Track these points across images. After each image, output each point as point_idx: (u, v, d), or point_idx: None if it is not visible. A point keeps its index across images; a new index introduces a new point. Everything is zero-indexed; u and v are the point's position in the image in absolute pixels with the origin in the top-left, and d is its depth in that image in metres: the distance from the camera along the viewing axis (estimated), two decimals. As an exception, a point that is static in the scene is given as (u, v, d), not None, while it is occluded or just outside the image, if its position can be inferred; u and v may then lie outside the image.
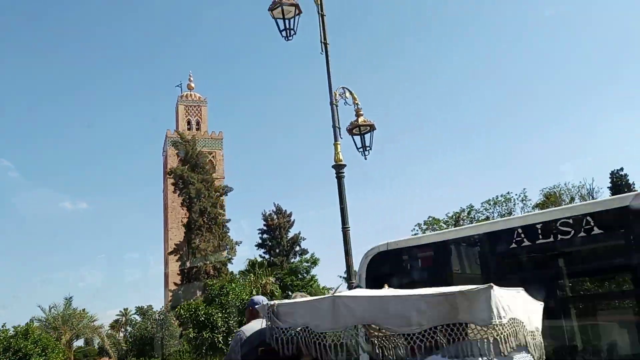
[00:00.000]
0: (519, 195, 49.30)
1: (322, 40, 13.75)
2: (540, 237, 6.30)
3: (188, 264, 40.38)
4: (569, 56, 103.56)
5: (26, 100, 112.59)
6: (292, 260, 54.14)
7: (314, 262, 51.35)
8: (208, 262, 39.76)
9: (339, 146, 12.64)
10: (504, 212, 48.40)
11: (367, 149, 12.18)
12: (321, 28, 13.78)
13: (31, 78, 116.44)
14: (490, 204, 49.71)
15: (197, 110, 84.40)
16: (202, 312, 31.05)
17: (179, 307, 34.99)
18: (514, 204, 49.30)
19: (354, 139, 12.81)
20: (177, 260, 40.84)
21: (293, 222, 57.45)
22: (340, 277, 44.70)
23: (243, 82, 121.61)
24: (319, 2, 13.99)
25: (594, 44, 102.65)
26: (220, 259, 41.03)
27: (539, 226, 6.58)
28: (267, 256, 54.53)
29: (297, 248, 55.53)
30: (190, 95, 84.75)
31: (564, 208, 8.12)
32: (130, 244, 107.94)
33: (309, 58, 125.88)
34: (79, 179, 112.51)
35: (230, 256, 43.28)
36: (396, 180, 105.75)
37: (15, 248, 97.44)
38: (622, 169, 41.01)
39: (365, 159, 13.14)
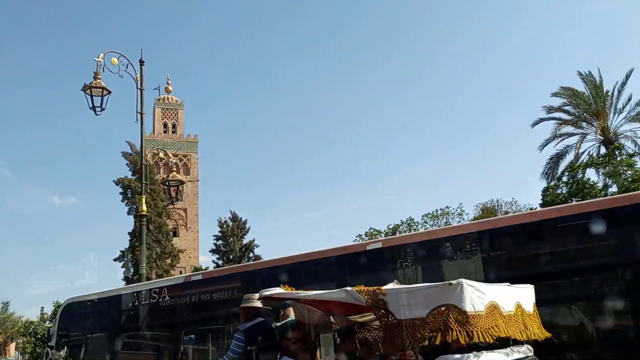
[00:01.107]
0: (456, 210, 52.26)
1: (138, 111, 17.11)
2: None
3: (132, 270, 43.51)
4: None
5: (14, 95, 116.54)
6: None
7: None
8: (151, 269, 42.88)
9: (143, 199, 16.17)
10: (442, 225, 51.34)
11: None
12: (138, 101, 17.11)
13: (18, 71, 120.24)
14: (429, 217, 52.63)
15: (173, 113, 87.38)
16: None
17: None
18: (452, 218, 52.32)
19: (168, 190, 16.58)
20: (122, 267, 44.15)
21: (248, 229, 60.90)
22: None
23: (220, 86, 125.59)
24: (138, 79, 17.34)
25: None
26: (162, 266, 44.24)
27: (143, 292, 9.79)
28: (220, 262, 58.01)
29: (251, 254, 59.06)
30: (168, 98, 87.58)
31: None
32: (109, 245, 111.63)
33: (286, 64, 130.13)
34: (66, 175, 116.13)
35: (173, 263, 46.50)
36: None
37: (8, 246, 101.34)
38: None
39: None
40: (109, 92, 15.59)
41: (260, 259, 58.20)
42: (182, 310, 9.06)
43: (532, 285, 5.22)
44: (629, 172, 28.72)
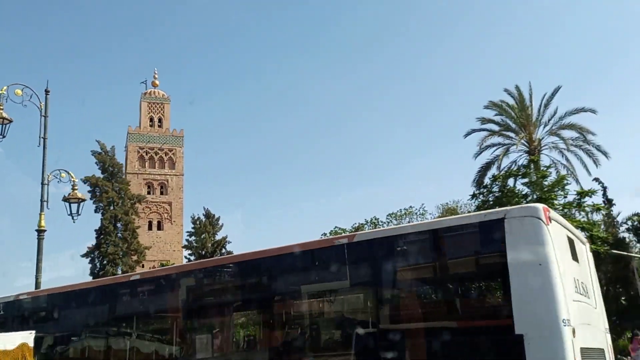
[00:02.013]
0: (419, 210, 54.33)
1: (42, 136, 19.73)
2: None
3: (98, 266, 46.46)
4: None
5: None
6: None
7: (233, 264, 57.31)
8: (116, 266, 45.84)
9: (42, 215, 18.88)
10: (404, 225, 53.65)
11: (76, 215, 18.49)
12: (42, 126, 19.72)
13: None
14: (392, 217, 54.79)
15: (160, 107, 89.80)
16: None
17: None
18: (414, 218, 54.48)
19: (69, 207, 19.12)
20: (88, 263, 46.99)
21: (221, 226, 63.50)
22: None
23: (207, 81, 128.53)
24: (43, 107, 19.95)
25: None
26: (128, 262, 47.13)
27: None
28: (192, 258, 60.73)
29: (223, 251, 61.69)
30: (154, 92, 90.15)
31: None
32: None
33: (273, 60, 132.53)
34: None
35: (140, 260, 49.38)
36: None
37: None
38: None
39: (74, 222, 19.18)
40: (10, 121, 18.32)
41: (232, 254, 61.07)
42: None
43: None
44: (545, 182, 30.92)
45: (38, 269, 19.16)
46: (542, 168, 31.89)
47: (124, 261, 46.96)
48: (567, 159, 34.20)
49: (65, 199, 18.82)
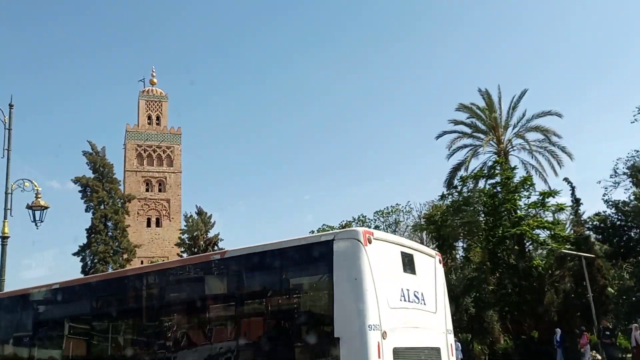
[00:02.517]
0: (405, 207, 55.50)
1: (6, 148, 21.34)
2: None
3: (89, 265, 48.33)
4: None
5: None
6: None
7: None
8: (107, 264, 47.67)
9: (6, 223, 20.47)
10: (391, 223, 54.90)
11: (39, 222, 20.07)
12: (6, 139, 21.32)
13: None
14: (379, 214, 56.00)
15: (157, 105, 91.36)
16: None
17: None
18: (399, 216, 55.66)
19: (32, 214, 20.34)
20: (80, 261, 48.85)
21: (213, 223, 65.18)
22: None
23: (204, 79, 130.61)
24: (6, 120, 21.52)
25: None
26: (118, 261, 48.96)
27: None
28: (185, 255, 62.46)
29: (216, 248, 63.34)
30: (152, 90, 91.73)
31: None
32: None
33: (272, 60, 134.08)
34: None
35: (130, 258, 51.19)
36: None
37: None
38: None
39: (37, 228, 20.64)
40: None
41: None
42: None
43: None
44: (512, 184, 32.18)
45: (1, 273, 20.80)
46: (510, 169, 33.22)
47: (115, 259, 48.73)
48: (537, 160, 35.39)
49: (28, 207, 20.29)
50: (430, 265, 10.32)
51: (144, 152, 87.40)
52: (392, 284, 8.83)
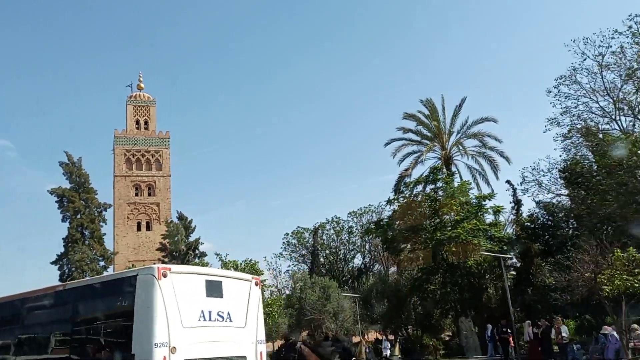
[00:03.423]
0: (377, 208, 57.27)
1: None
2: None
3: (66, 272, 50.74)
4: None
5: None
6: (193, 262, 64.25)
7: (203, 264, 61.39)
8: (84, 273, 50.03)
9: None
10: (364, 223, 56.77)
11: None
12: None
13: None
14: (352, 215, 57.90)
15: (145, 110, 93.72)
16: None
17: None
18: (372, 216, 57.50)
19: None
20: (57, 270, 51.28)
21: (194, 228, 67.55)
22: None
23: (192, 83, 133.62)
24: None
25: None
26: (95, 268, 51.32)
27: None
28: (166, 259, 64.86)
29: (197, 252, 65.70)
30: (140, 95, 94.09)
31: None
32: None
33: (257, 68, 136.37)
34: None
35: (106, 265, 53.64)
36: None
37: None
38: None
39: None
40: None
41: (206, 255, 65.15)
42: None
43: None
44: (450, 188, 33.98)
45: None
46: (449, 174, 35.08)
47: (92, 267, 51.07)
48: (480, 165, 37.18)
49: None
50: (243, 288, 12.37)
51: (133, 157, 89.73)
52: (190, 308, 10.92)
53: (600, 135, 25.75)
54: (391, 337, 38.28)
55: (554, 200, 31.80)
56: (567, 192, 29.93)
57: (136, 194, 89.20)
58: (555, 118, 26.19)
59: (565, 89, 25.58)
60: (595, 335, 22.91)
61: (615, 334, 21.89)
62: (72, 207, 52.13)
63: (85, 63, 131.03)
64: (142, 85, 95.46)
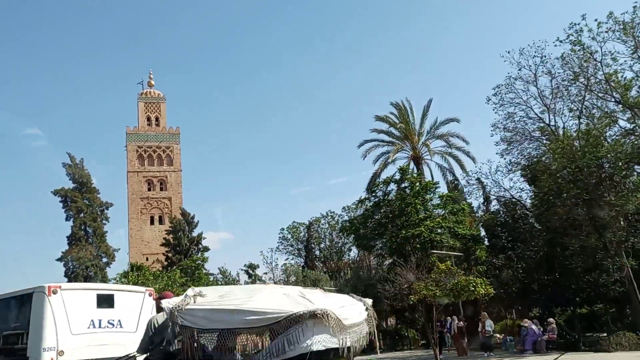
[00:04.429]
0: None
1: None
2: None
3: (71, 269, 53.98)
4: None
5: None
6: (197, 256, 67.02)
7: (204, 259, 64.08)
8: (87, 269, 53.19)
9: None
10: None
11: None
12: None
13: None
14: (346, 210, 59.71)
15: (156, 106, 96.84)
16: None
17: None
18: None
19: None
20: (63, 266, 54.52)
21: (197, 223, 70.38)
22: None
23: (202, 79, 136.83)
24: None
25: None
26: (99, 265, 54.47)
27: None
28: (170, 254, 67.81)
29: (200, 246, 68.47)
30: (150, 92, 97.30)
31: None
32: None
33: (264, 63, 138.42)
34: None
35: (109, 262, 56.69)
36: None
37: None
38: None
39: None
40: None
41: (208, 249, 67.92)
42: None
43: None
44: (416, 188, 35.58)
45: None
46: (416, 174, 36.72)
47: (94, 264, 54.18)
48: (449, 164, 38.71)
49: None
50: (136, 299, 14.62)
51: (145, 153, 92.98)
52: (79, 317, 13.19)
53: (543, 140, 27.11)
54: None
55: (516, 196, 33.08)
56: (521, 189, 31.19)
57: (149, 189, 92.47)
58: (496, 124, 27.59)
59: (506, 96, 26.93)
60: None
61: (534, 326, 23.67)
62: (74, 206, 55.21)
63: (100, 60, 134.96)
64: (153, 82, 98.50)
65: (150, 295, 14.96)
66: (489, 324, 25.00)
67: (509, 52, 26.27)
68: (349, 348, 6.20)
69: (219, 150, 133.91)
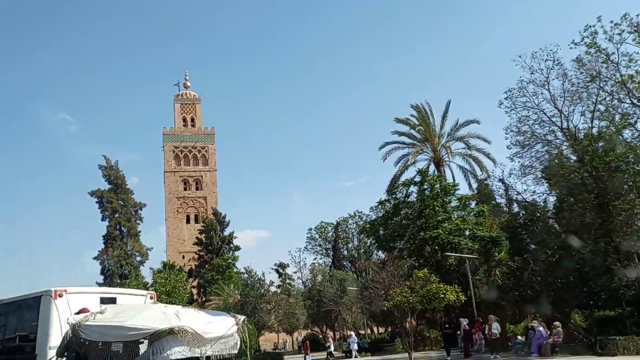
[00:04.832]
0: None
1: None
2: None
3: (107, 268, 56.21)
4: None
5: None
6: (228, 255, 68.54)
7: (234, 258, 65.56)
8: (121, 267, 55.33)
9: None
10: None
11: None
12: None
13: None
14: (374, 210, 60.15)
15: (191, 107, 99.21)
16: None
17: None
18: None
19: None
20: (99, 265, 56.83)
21: (228, 222, 72.06)
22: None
23: (237, 80, 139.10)
24: None
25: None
26: (132, 263, 56.53)
27: None
28: (202, 252, 69.61)
29: (231, 245, 70.01)
30: (186, 93, 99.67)
31: None
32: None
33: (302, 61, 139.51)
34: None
35: (142, 260, 58.68)
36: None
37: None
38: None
39: None
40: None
41: (239, 249, 69.47)
42: None
43: None
44: (435, 190, 35.84)
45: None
46: (435, 177, 36.95)
47: (129, 262, 56.27)
48: (471, 165, 38.79)
49: None
50: (137, 301, 15.64)
51: (181, 153, 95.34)
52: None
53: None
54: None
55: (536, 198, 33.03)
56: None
57: (184, 189, 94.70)
58: (509, 127, 27.64)
59: (519, 99, 26.99)
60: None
61: (541, 329, 23.87)
62: (110, 207, 57.38)
63: (138, 61, 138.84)
64: (188, 84, 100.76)
65: (151, 297, 16.00)
66: (495, 327, 25.27)
67: (520, 57, 26.30)
68: (208, 357, 7.64)
69: (257, 148, 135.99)
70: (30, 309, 14.76)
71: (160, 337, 7.58)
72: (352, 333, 39.09)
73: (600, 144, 24.63)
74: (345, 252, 60.29)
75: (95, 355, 7.48)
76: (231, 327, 8.80)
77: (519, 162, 28.03)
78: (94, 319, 8.02)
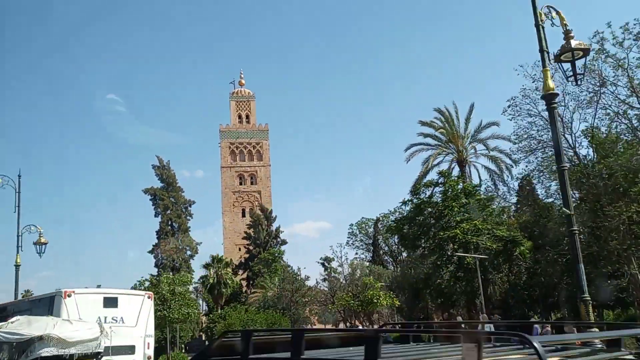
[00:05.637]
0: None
1: (17, 205, 31.38)
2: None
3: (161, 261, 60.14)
4: None
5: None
6: (274, 249, 71.26)
7: (280, 252, 68.12)
8: (173, 261, 59.11)
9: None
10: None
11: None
12: (16, 200, 31.26)
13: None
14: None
15: (246, 105, 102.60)
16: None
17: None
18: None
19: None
20: (153, 258, 60.81)
21: (275, 217, 74.80)
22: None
23: (290, 77, 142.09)
24: (16, 185, 31.56)
25: None
26: (183, 257, 60.20)
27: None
28: (250, 247, 72.59)
29: (278, 239, 72.64)
30: (241, 91, 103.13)
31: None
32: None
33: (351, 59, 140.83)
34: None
35: (192, 254, 62.23)
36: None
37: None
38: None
39: (40, 257, 30.17)
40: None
41: (286, 243, 72.14)
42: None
43: None
44: (455, 191, 36.82)
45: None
46: (456, 178, 37.98)
47: (180, 256, 59.95)
48: (498, 165, 39.50)
49: (35, 243, 29.84)
50: (136, 300, 18.25)
51: (236, 149, 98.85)
52: (88, 315, 16.88)
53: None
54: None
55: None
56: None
57: (240, 183, 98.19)
58: (516, 133, 28.47)
59: (518, 109, 27.86)
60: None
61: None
62: (162, 204, 61.21)
63: (190, 65, 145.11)
64: (243, 81, 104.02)
65: (149, 297, 18.52)
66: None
67: (521, 66, 27.12)
68: (72, 355, 10.04)
69: (313, 140, 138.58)
70: (44, 306, 17.54)
71: (34, 341, 10.03)
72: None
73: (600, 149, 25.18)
74: (386, 248, 61.68)
75: (7, 350, 10.26)
76: (96, 332, 11.64)
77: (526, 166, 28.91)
78: (7, 326, 10.60)
